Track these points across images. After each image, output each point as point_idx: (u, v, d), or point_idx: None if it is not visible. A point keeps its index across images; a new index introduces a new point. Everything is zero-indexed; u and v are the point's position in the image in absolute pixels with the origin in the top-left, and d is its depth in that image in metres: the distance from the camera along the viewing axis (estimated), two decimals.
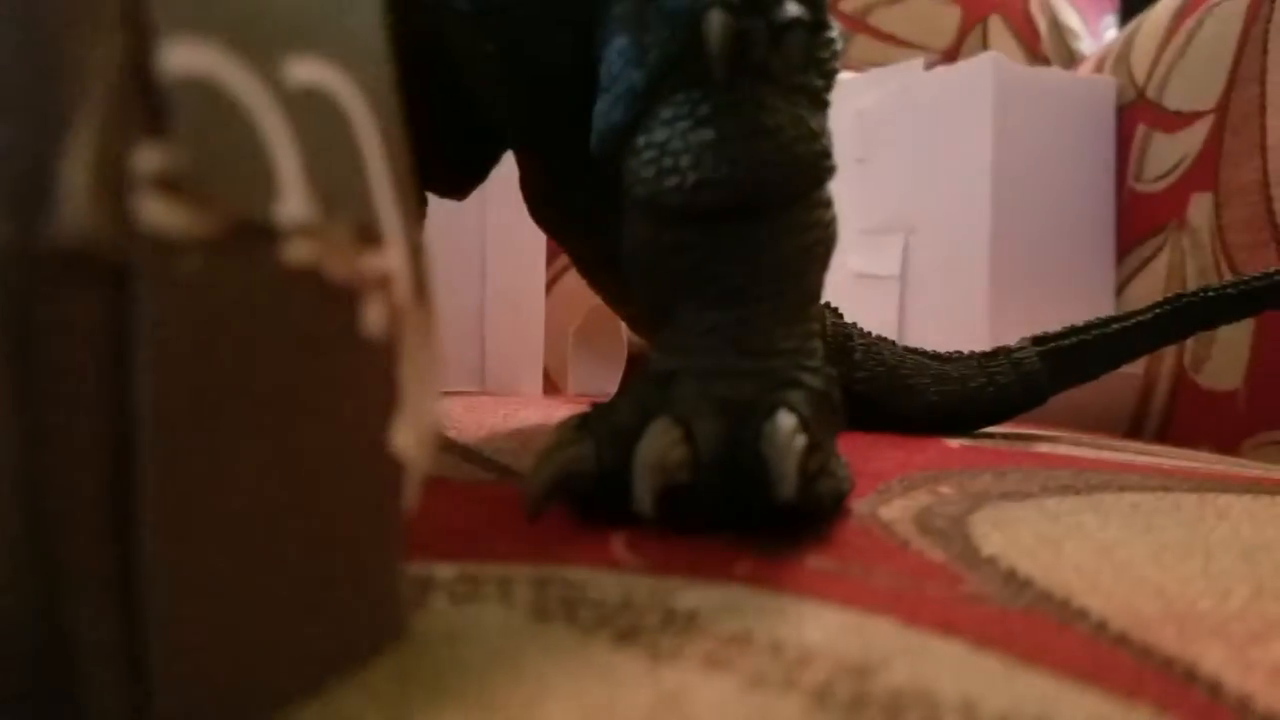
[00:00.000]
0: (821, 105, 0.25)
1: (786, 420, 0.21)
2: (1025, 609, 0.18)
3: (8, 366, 0.10)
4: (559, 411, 0.44)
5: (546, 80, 0.29)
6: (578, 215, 0.32)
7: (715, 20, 0.23)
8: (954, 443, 0.37)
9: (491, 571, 0.19)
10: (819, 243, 0.25)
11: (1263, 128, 0.58)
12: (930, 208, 0.73)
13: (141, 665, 0.11)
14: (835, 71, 0.26)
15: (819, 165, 0.25)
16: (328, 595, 0.14)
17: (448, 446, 0.31)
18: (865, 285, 0.76)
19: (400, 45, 0.15)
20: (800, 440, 0.21)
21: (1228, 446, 0.59)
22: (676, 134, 0.24)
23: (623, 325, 0.54)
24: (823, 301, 0.40)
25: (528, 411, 0.44)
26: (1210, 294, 0.40)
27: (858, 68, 0.82)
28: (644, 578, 0.19)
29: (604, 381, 0.61)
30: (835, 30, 0.26)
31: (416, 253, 0.15)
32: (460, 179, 0.35)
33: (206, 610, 0.12)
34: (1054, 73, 0.83)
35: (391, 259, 0.14)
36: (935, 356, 0.41)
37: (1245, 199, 0.59)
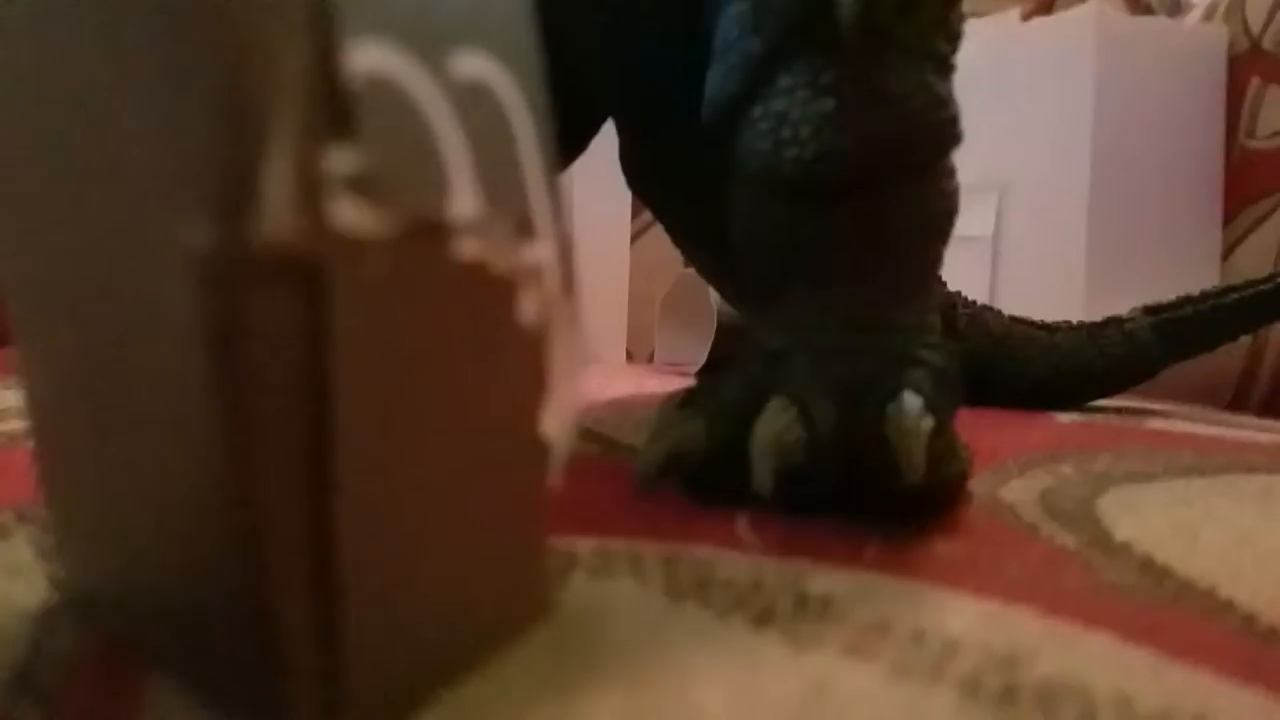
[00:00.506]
0: (948, 70, 0.24)
1: (913, 401, 0.21)
2: (1168, 600, 0.18)
3: (216, 364, 0.10)
4: (649, 382, 0.44)
5: (655, 48, 0.29)
6: (681, 187, 0.32)
7: None
8: (1064, 418, 0.36)
9: (621, 548, 0.19)
10: (942, 214, 0.25)
11: None
12: (1026, 166, 0.71)
13: (333, 642, 0.11)
14: (961, 35, 0.25)
15: (946, 133, 0.24)
16: (488, 572, 0.14)
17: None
18: (956, 246, 0.74)
19: None
20: (927, 422, 0.21)
21: None
22: (796, 103, 0.23)
23: (712, 294, 0.53)
24: None
25: (619, 381, 0.44)
26: None
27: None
28: (770, 560, 0.19)
29: (691, 351, 0.61)
30: None
31: (564, 242, 0.15)
32: (561, 151, 0.35)
33: (390, 588, 0.12)
34: (1160, 22, 0.79)
35: (544, 250, 0.14)
36: (1043, 326, 0.40)
37: None
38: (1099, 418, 0.37)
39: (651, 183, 0.34)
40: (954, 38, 0.24)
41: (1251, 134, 0.69)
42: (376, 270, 0.11)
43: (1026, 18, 0.75)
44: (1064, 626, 0.16)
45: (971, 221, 0.75)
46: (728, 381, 0.24)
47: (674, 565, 0.19)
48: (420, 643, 0.13)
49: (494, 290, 0.13)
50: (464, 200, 0.12)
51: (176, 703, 0.13)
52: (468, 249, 0.13)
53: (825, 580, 0.18)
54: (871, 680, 0.15)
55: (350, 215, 0.11)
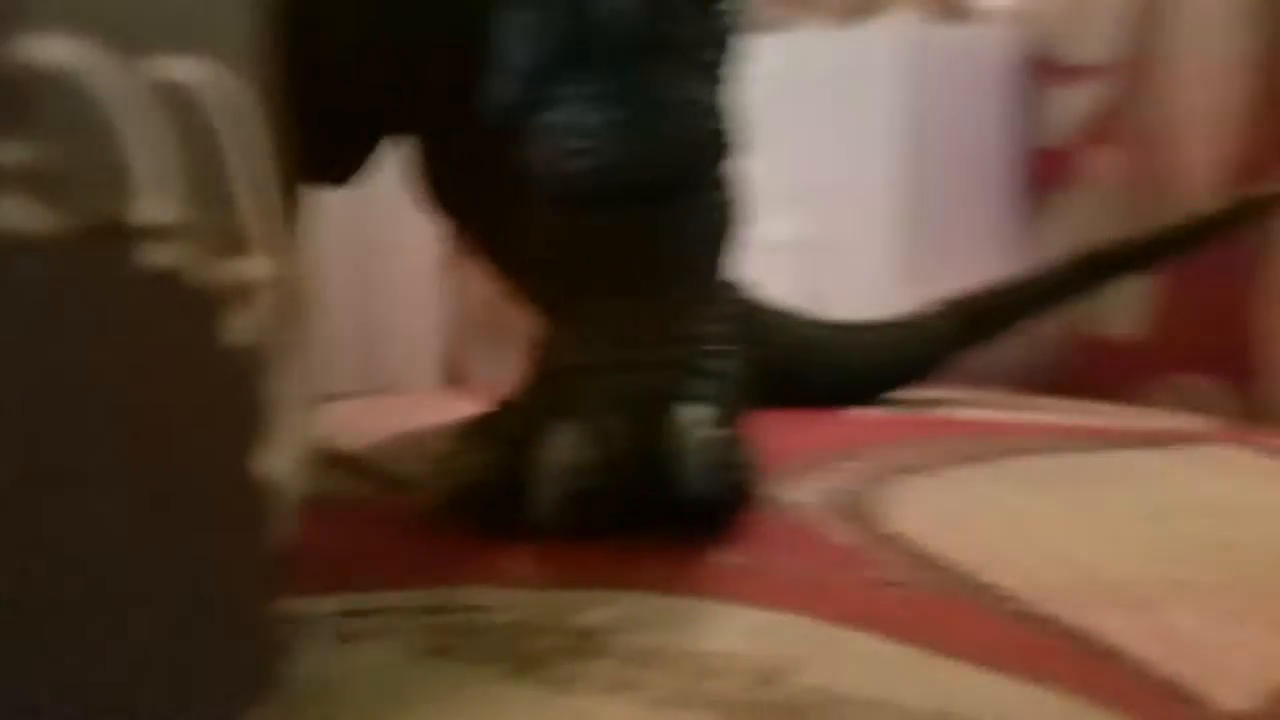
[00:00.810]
0: (717, 80, 0.25)
1: (695, 412, 0.21)
2: (933, 591, 0.18)
3: None
4: (461, 409, 0.43)
5: (428, 60, 0.28)
6: (469, 202, 0.31)
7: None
8: (863, 414, 0.37)
9: (380, 601, 0.18)
10: (722, 222, 0.25)
11: (1167, 77, 0.59)
12: (840, 173, 0.73)
13: None
14: (730, 44, 0.25)
15: (717, 143, 0.25)
16: (188, 641, 0.13)
17: (333, 459, 0.29)
18: (778, 253, 0.76)
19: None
20: (710, 432, 0.20)
21: (1127, 395, 0.61)
22: (573, 115, 0.23)
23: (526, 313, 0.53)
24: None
25: (425, 411, 0.43)
26: (1113, 248, 0.41)
27: (765, 29, 0.82)
28: (545, 593, 0.18)
29: (512, 373, 0.60)
30: (730, 2, 0.25)
31: (289, 261, 0.14)
32: (338, 169, 0.33)
33: (40, 659, 0.11)
34: (957, 29, 0.83)
35: (258, 267, 0.13)
36: (844, 326, 0.41)
37: (1150, 150, 0.60)
38: (894, 412, 0.38)
39: (447, 200, 0.33)
40: (723, 47, 0.25)
41: (1047, 132, 0.74)
42: (32, 270, 0.10)
43: (836, 27, 0.78)
44: (833, 631, 0.16)
45: (792, 228, 0.77)
46: (518, 405, 0.23)
47: (437, 615, 0.17)
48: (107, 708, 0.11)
49: (189, 306, 0.12)
50: (152, 206, 0.11)
51: None
52: (154, 257, 0.11)
53: (598, 611, 0.17)
54: (631, 714, 0.14)
55: (17, 212, 0.09)
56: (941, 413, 0.38)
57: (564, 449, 0.20)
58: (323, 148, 0.31)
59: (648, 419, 0.21)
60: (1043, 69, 0.74)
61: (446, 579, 0.19)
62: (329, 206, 0.40)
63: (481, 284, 0.61)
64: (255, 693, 0.14)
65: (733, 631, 0.16)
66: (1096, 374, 0.66)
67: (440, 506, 0.21)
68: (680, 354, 0.23)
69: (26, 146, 0.10)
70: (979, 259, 0.71)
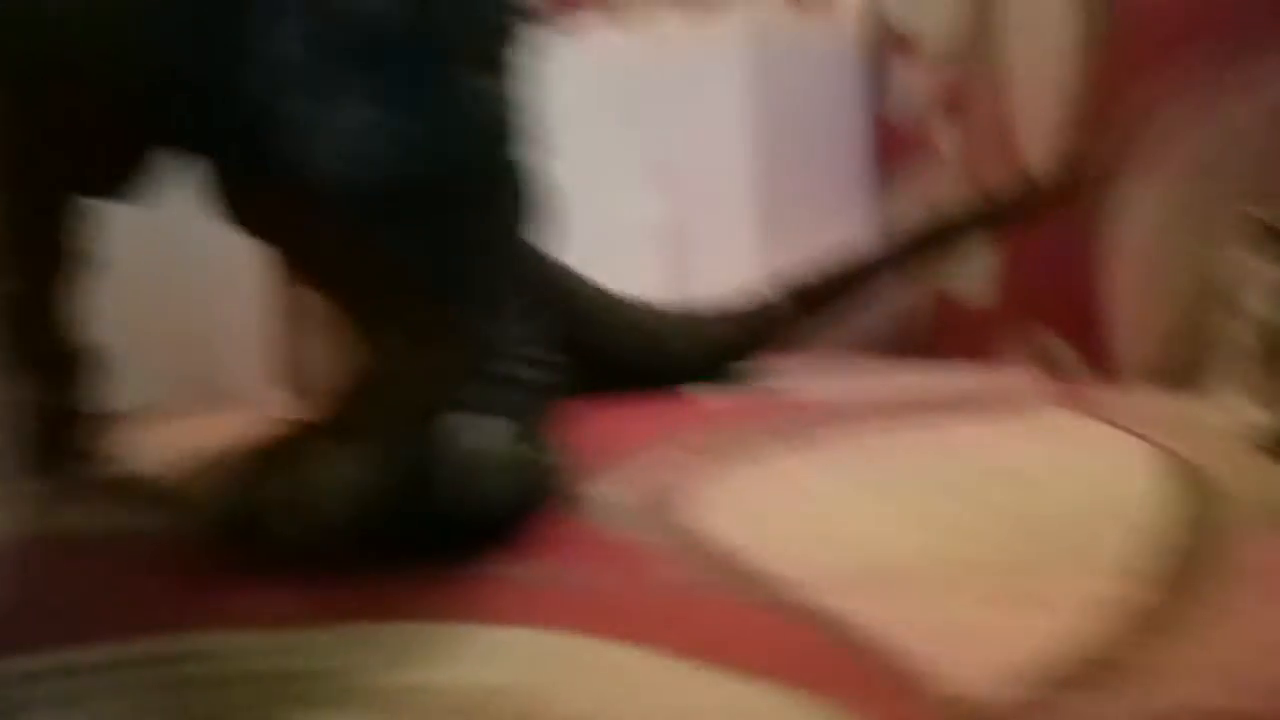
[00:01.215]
0: (506, 73, 0.24)
1: (478, 424, 0.20)
2: (710, 589, 0.18)
3: None
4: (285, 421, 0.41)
5: (182, 65, 0.26)
6: (257, 213, 0.29)
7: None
8: (708, 398, 0.37)
9: (97, 657, 0.16)
10: (516, 220, 0.24)
11: (1000, 50, 0.60)
12: (695, 156, 0.74)
13: None
14: (516, 38, 0.24)
15: (501, 138, 0.24)
16: None
17: (112, 485, 0.27)
18: (638, 238, 0.76)
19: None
20: (496, 441, 0.20)
21: (984, 359, 0.63)
22: (358, 115, 0.22)
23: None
24: (573, 265, 0.39)
25: (245, 424, 0.41)
26: (939, 221, 0.42)
27: (618, 23, 0.82)
28: (286, 634, 0.17)
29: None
30: None
31: None
32: (110, 182, 0.31)
33: None
34: (806, 14, 0.84)
35: None
36: (682, 310, 0.41)
37: (986, 123, 0.62)
38: (743, 392, 0.38)
39: (232, 212, 0.31)
40: (511, 40, 0.24)
41: (893, 110, 0.75)
42: None
43: (683, 19, 0.78)
44: (597, 647, 0.16)
45: (650, 213, 0.77)
46: (297, 428, 0.22)
47: (157, 667, 0.16)
48: None
49: None
50: None
51: None
52: None
53: (350, 652, 0.16)
54: None
55: None
56: (781, 389, 0.38)
57: (342, 472, 0.19)
58: (84, 159, 0.29)
59: (430, 433, 0.20)
60: (888, 48, 0.75)
61: (173, 623, 0.17)
62: (152, 217, 0.38)
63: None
64: None
65: (487, 658, 0.16)
66: (952, 337, 0.68)
67: (215, 535, 0.19)
68: (469, 361, 0.22)
69: None
70: (835, 235, 0.73)
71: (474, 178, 0.23)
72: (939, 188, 0.66)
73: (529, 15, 0.26)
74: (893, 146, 0.75)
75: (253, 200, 0.30)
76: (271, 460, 0.21)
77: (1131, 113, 0.45)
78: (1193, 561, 0.19)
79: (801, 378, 0.42)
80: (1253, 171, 0.39)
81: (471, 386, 0.21)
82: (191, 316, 0.56)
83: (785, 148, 0.73)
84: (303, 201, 0.23)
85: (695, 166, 0.74)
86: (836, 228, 0.74)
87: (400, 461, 0.20)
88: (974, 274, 0.65)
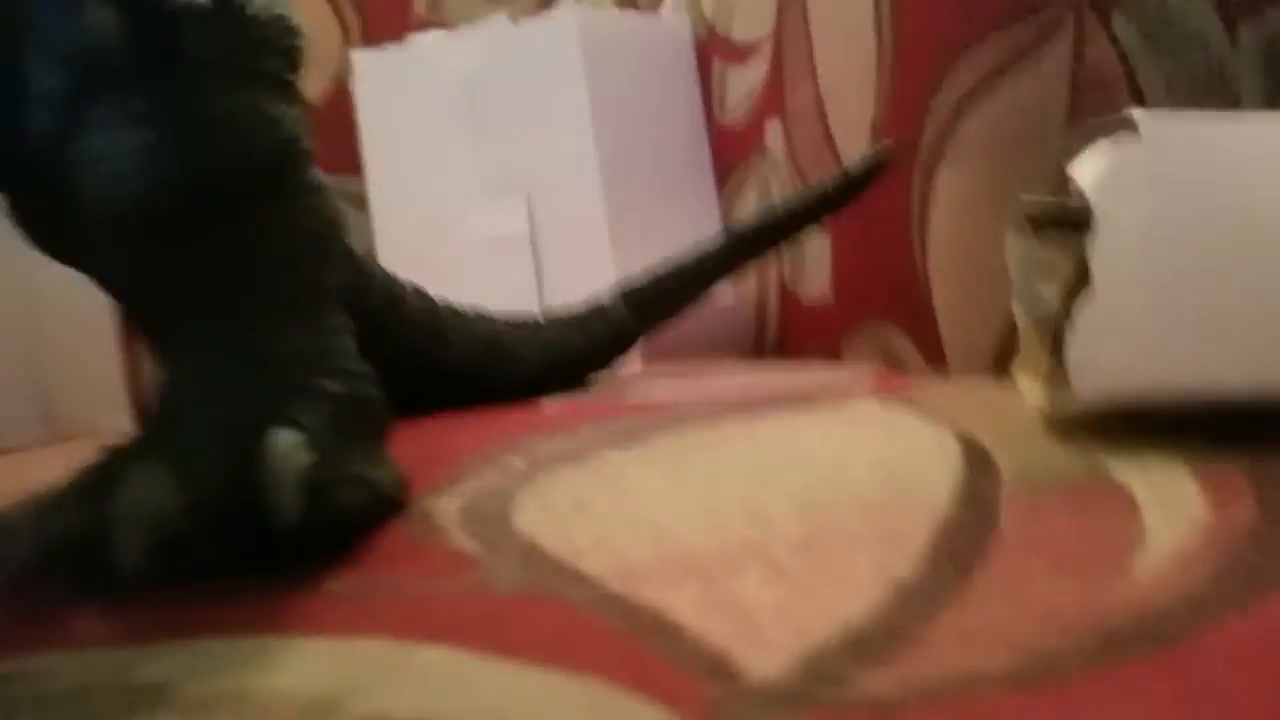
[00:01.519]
0: (283, 88, 0.24)
1: (285, 437, 0.20)
2: (526, 587, 0.19)
3: None
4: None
5: None
6: (60, 240, 0.29)
7: (98, 17, 0.21)
8: (550, 405, 0.38)
9: None
10: (312, 233, 0.24)
11: (810, 48, 0.63)
12: (544, 164, 0.74)
13: None
14: (294, 51, 0.24)
15: (284, 152, 0.24)
16: None
17: None
18: (495, 249, 0.76)
19: None
20: (301, 457, 0.20)
21: (829, 350, 0.65)
22: (113, 138, 0.22)
23: None
24: (410, 281, 0.39)
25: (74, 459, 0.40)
26: (762, 217, 0.44)
27: (450, 25, 0.81)
28: (112, 652, 0.17)
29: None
30: (285, 8, 0.24)
31: None
32: None
33: None
34: (634, 17, 0.86)
35: None
36: (532, 322, 0.42)
37: (806, 119, 0.64)
38: (585, 398, 0.40)
39: (47, 241, 0.30)
40: (285, 54, 0.24)
41: (722, 110, 0.77)
42: None
43: (517, 20, 0.78)
44: (404, 649, 0.17)
45: (506, 222, 0.78)
46: (114, 450, 0.22)
47: (6, 686, 0.16)
48: None
49: None
50: None
51: None
52: None
53: (163, 663, 0.17)
54: None
55: None
56: (620, 393, 0.39)
57: (147, 495, 0.19)
58: None
59: (237, 450, 0.20)
60: (715, 49, 0.78)
61: (15, 648, 0.18)
62: None
63: None
64: None
65: (299, 666, 0.16)
66: (797, 335, 0.71)
67: (25, 566, 0.19)
68: (278, 375, 0.22)
69: None
70: (684, 234, 0.75)
71: (261, 193, 0.23)
72: (773, 185, 0.69)
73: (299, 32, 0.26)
74: (727, 146, 0.77)
75: (51, 228, 0.29)
76: (84, 488, 0.21)
77: (928, 95, 0.47)
78: (975, 537, 0.20)
79: (644, 383, 0.44)
80: (1034, 152, 0.42)
81: (275, 401, 0.22)
82: (32, 348, 0.54)
83: (629, 151, 0.74)
84: (84, 226, 0.23)
85: (546, 174, 0.74)
86: (685, 229, 0.76)
87: (212, 479, 0.20)
88: (812, 271, 0.68)
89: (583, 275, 0.74)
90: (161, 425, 0.22)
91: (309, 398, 0.22)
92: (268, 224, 0.23)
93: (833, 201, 0.45)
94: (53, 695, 0.16)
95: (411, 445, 0.27)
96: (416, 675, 0.16)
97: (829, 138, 0.62)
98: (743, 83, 0.71)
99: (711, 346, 0.69)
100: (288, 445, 0.20)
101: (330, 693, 0.15)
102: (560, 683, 0.15)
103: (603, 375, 0.44)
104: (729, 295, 0.73)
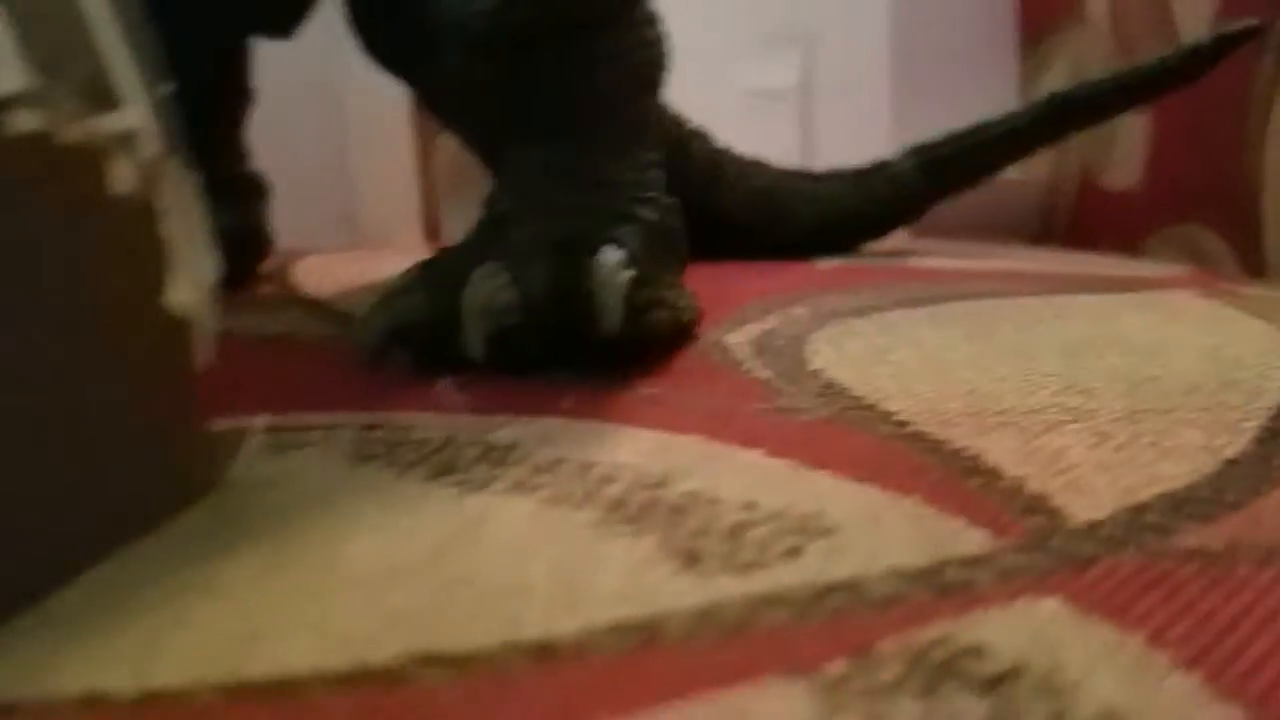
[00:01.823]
0: None
1: (611, 255, 0.21)
2: (830, 417, 0.19)
3: None
4: None
5: None
6: (407, 53, 0.31)
7: None
8: (824, 264, 0.37)
9: (319, 420, 0.19)
10: (645, 64, 0.25)
11: None
12: (826, 14, 0.71)
13: None
14: None
15: None
16: (120, 453, 0.14)
17: (293, 300, 0.31)
18: (760, 101, 0.74)
19: None
20: (625, 274, 0.21)
21: (1130, 246, 0.60)
22: None
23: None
24: (696, 124, 0.39)
25: (392, 263, 0.44)
26: (1087, 89, 0.40)
27: None
28: (469, 417, 0.20)
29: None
30: None
31: (163, 109, 0.15)
32: (279, 18, 0.33)
33: None
34: None
35: (132, 117, 0.14)
36: (810, 177, 0.41)
37: None
38: (861, 261, 0.39)
39: (384, 52, 0.33)
40: None
41: None
42: None
43: None
44: (721, 449, 0.18)
45: (776, 74, 0.76)
46: (454, 250, 0.24)
47: (369, 431, 0.19)
48: (40, 533, 0.13)
49: (67, 162, 0.13)
50: (9, 74, 0.12)
51: None
52: (22, 122, 0.12)
53: (513, 430, 0.19)
54: (523, 511, 0.16)
55: None
56: (908, 262, 0.39)
57: (483, 291, 0.21)
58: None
59: (567, 262, 0.22)
60: None
61: (377, 404, 0.20)
62: (299, 59, 0.40)
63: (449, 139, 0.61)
64: (188, 495, 0.16)
65: (633, 447, 0.18)
66: (1093, 225, 0.65)
67: (377, 343, 0.22)
68: (604, 199, 0.24)
69: None
70: (972, 102, 0.70)
71: (610, 18, 0.24)
72: (1086, 54, 0.63)
73: None
74: (1036, 10, 0.71)
75: (389, 36, 0.32)
76: (429, 281, 0.23)
77: None
78: None
79: (918, 253, 0.43)
80: None
81: (604, 221, 0.23)
82: (339, 159, 0.59)
83: (924, 6, 0.70)
84: (432, 38, 0.25)
85: (828, 26, 0.71)
86: (974, 94, 0.72)
87: (544, 284, 0.22)
88: (1120, 155, 0.62)
89: (854, 136, 0.71)
90: (495, 233, 0.24)
91: (629, 222, 0.23)
92: (607, 52, 0.24)
93: (1168, 79, 0.40)
94: (412, 442, 0.19)
95: (691, 284, 0.28)
96: (733, 470, 0.17)
97: (1164, 9, 0.56)
98: None
99: (985, 225, 0.65)
100: (613, 262, 0.21)
101: (659, 472, 0.17)
102: (879, 496, 0.16)
103: (877, 238, 0.43)
104: (1013, 170, 0.69)
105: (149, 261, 0.14)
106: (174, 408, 0.15)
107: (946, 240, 0.52)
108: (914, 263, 0.39)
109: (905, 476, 0.17)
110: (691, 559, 0.14)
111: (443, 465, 0.17)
